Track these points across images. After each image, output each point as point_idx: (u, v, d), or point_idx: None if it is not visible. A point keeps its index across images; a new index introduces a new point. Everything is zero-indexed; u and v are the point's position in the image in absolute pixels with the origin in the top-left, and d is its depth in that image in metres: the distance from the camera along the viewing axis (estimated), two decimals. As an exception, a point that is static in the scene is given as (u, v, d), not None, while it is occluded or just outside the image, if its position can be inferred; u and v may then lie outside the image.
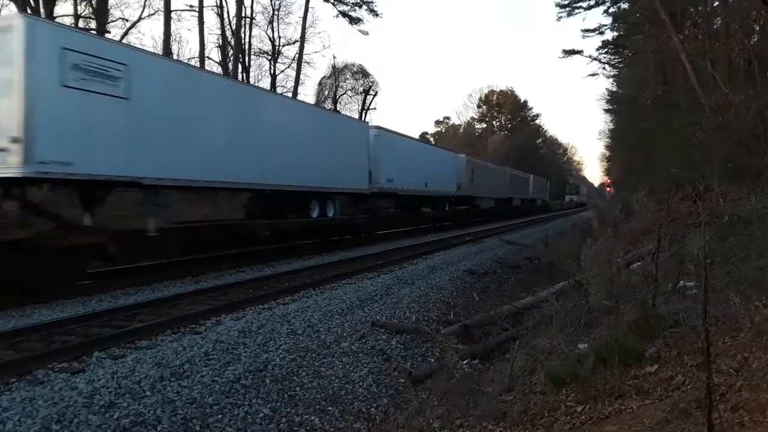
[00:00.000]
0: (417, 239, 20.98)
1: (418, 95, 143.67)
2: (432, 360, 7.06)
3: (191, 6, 29.19)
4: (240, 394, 5.25)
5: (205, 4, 28.85)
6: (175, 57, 28.79)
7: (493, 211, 39.19)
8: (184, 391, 5.07)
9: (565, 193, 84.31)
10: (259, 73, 36.77)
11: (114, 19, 26.90)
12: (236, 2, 29.62)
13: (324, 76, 43.87)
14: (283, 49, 36.43)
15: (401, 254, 15.60)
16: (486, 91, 77.38)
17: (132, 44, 16.78)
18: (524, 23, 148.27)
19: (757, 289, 5.03)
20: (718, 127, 12.56)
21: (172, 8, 26.25)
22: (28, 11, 19.94)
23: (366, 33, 53.63)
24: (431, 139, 72.66)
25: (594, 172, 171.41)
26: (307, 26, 33.52)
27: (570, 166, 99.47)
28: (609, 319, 5.35)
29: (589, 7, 31.97)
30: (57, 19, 22.10)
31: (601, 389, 4.08)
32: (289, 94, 32.01)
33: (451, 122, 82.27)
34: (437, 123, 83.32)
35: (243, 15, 30.79)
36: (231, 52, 31.15)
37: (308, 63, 44.76)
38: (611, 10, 32.12)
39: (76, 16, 24.88)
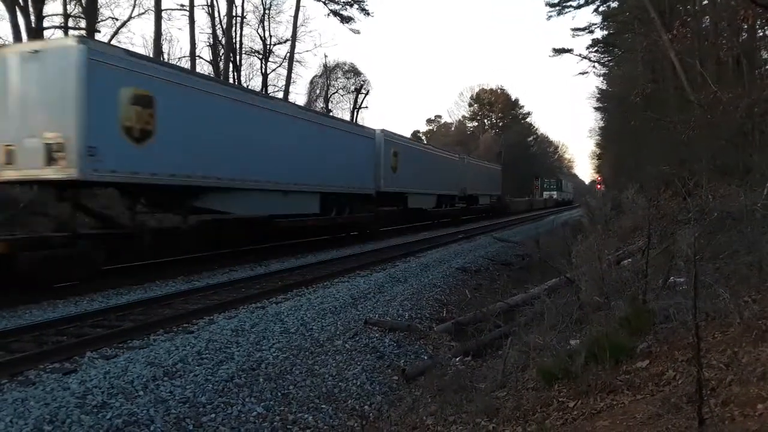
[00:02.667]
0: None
1: (410, 94, 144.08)
2: (425, 357, 7.08)
3: (182, 5, 29.02)
4: (233, 392, 5.25)
5: (195, 3, 28.62)
6: (165, 56, 28.66)
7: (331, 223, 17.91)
8: (177, 390, 5.07)
9: (542, 189, 66.27)
10: (250, 72, 36.65)
11: (104, 18, 26.70)
12: (227, 1, 29.44)
13: (315, 75, 43.86)
14: (275, 48, 36.29)
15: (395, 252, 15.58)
16: (477, 89, 77.57)
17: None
18: (515, 22, 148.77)
19: (747, 284, 5.07)
20: (707, 125, 12.64)
21: (162, 7, 26.06)
22: (17, 10, 19.83)
23: (357, 32, 53.07)
24: (423, 138, 72.48)
25: (584, 169, 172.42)
26: (298, 25, 33.36)
27: (561, 164, 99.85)
28: (600, 315, 5.39)
29: (579, 6, 32.02)
30: (46, 19, 21.97)
31: (592, 385, 4.10)
32: (280, 94, 31.96)
33: (442, 121, 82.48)
34: (429, 121, 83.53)
35: (234, 14, 30.63)
36: (222, 51, 31.01)
37: (299, 62, 44.84)
38: (601, 9, 32.22)
39: (66, 16, 24.61)
